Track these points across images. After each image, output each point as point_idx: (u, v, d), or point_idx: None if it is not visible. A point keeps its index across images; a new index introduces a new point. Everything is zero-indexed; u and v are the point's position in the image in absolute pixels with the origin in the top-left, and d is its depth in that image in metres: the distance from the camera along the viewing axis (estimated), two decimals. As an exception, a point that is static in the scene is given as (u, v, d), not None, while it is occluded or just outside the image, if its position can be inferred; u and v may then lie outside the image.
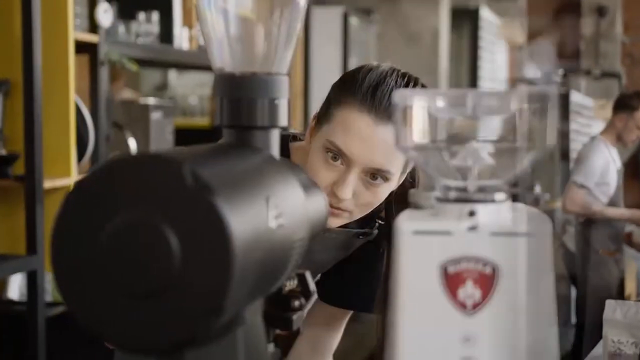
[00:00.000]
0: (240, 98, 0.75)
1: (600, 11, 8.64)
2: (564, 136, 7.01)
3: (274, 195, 0.67)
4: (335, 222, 1.30)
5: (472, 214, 0.67)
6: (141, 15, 3.23)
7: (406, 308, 0.66)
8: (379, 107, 1.24)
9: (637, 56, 9.57)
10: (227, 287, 0.58)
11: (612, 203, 4.53)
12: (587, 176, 4.40)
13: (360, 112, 1.25)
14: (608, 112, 8.06)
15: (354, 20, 5.62)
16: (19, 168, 2.51)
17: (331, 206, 1.27)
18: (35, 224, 2.43)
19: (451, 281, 0.66)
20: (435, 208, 0.70)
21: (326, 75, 5.00)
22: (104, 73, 2.83)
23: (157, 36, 3.28)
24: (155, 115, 3.18)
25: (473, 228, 0.66)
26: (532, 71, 6.12)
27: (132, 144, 3.04)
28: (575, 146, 7.16)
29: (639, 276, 5.34)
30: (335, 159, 1.26)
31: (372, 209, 1.32)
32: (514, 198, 0.70)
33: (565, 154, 7.00)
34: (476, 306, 0.66)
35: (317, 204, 0.82)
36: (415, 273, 0.66)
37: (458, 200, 0.68)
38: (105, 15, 2.78)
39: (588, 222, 4.52)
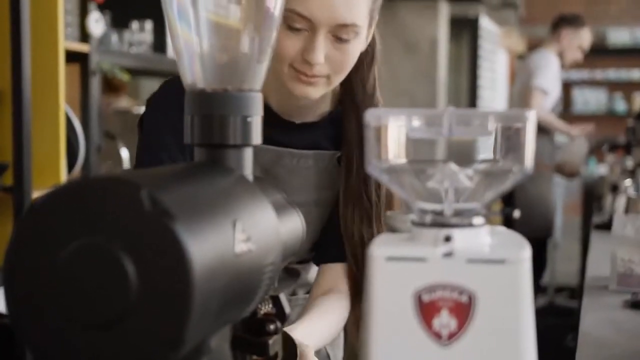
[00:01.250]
0: (212, 115, 0.72)
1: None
2: (473, 61, 7.16)
3: (242, 218, 0.64)
4: (315, 92, 1.28)
5: (448, 239, 0.64)
6: (134, 24, 3.20)
7: (379, 338, 0.63)
8: None
9: None
10: (187, 317, 0.55)
11: (552, 112, 4.68)
12: (547, 81, 4.50)
13: None
14: (513, 40, 8.13)
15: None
16: (7, 179, 2.48)
17: (306, 75, 1.25)
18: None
19: (426, 310, 0.63)
20: (411, 232, 0.67)
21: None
22: (95, 83, 2.80)
23: (150, 45, 3.25)
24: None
25: (448, 254, 0.63)
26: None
27: (125, 154, 3.01)
28: (482, 73, 7.31)
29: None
30: (298, 29, 1.22)
31: (347, 71, 1.29)
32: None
33: (473, 79, 7.10)
34: (452, 336, 0.63)
35: (291, 224, 0.79)
36: (388, 301, 0.63)
37: (434, 224, 0.65)
38: (96, 24, 2.76)
39: None
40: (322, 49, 1.22)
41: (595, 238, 2.74)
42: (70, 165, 2.68)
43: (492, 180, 0.66)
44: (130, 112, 3.28)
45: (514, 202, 4.49)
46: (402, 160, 0.67)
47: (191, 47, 0.74)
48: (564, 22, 4.68)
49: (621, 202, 2.86)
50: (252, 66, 0.75)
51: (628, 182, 3.07)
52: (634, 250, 1.79)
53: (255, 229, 0.66)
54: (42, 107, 2.56)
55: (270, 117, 1.33)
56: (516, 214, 4.66)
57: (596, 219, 3.23)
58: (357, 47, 1.26)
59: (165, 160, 1.28)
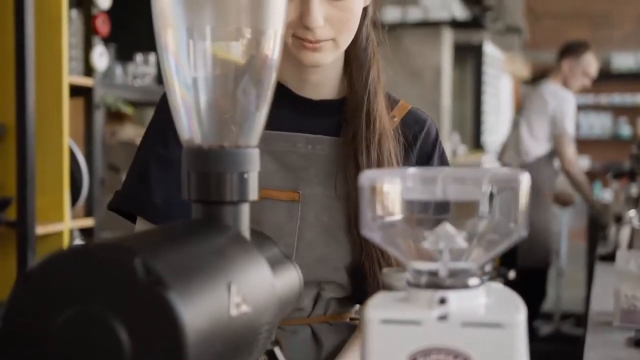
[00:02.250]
0: (209, 172, 0.73)
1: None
2: (477, 87, 7.18)
3: (237, 280, 0.65)
4: (323, 57, 1.23)
5: (442, 301, 0.64)
6: (138, 57, 3.22)
7: (374, 401, 0.63)
8: None
9: (539, 12, 9.61)
10: (181, 386, 0.55)
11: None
12: (573, 126, 4.50)
13: None
14: (517, 65, 8.17)
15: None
16: (11, 213, 2.49)
17: (310, 41, 1.20)
18: (27, 271, 2.40)
19: (421, 373, 0.62)
20: (407, 292, 0.67)
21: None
22: (99, 116, 2.81)
23: (154, 77, 3.27)
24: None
25: (443, 317, 0.63)
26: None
27: (128, 186, 3.01)
28: (486, 99, 7.32)
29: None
30: None
31: (354, 30, 1.24)
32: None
33: (477, 105, 7.10)
34: (447, 400, 0.62)
35: (288, 279, 0.79)
36: (383, 364, 0.63)
37: (429, 285, 0.65)
38: (100, 58, 2.77)
39: (536, 164, 4.59)
40: (318, 11, 1.17)
41: (600, 270, 2.73)
42: (74, 199, 2.69)
43: (487, 242, 0.66)
44: (134, 143, 3.29)
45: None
46: (397, 221, 0.67)
47: (188, 104, 0.75)
48: (565, 51, 4.69)
49: (625, 233, 2.85)
50: (249, 121, 0.76)
51: (632, 212, 3.07)
52: (637, 286, 1.78)
53: (250, 290, 0.66)
54: (46, 142, 2.57)
55: (286, 96, 1.30)
56: (511, 274, 4.66)
57: (601, 250, 3.22)
58: (356, 1, 1.21)
59: (153, 162, 1.27)
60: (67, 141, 2.61)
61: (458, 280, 0.65)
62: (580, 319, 5.36)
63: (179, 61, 0.74)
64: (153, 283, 0.55)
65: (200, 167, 0.73)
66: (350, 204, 1.27)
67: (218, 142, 0.74)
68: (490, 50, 7.74)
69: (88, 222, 2.81)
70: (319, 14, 1.17)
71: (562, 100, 4.59)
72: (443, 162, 1.35)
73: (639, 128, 9.59)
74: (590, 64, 4.70)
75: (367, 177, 0.66)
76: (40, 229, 2.50)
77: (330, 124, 1.30)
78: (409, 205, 0.67)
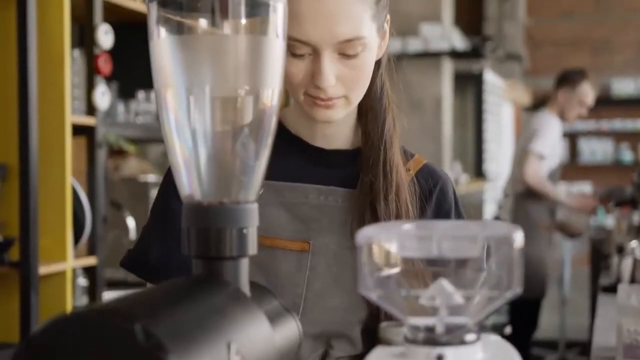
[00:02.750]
0: (209, 228, 0.74)
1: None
2: (478, 115, 7.19)
3: (237, 338, 0.65)
4: (335, 114, 1.21)
5: (440, 358, 0.64)
6: (140, 94, 3.25)
7: None
8: None
9: (539, 39, 9.65)
10: None
11: (550, 177, 4.65)
12: (544, 146, 4.49)
13: None
14: (518, 92, 8.19)
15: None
16: (14, 253, 2.50)
17: (322, 100, 1.18)
18: (30, 312, 2.41)
19: None
20: (405, 347, 0.68)
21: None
22: (101, 155, 2.83)
23: (156, 114, 3.29)
24: (155, 193, 3.16)
25: (440, 375, 0.63)
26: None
27: (131, 223, 3.03)
28: (488, 126, 7.34)
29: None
30: (302, 55, 1.15)
31: (366, 86, 1.22)
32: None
33: (479, 133, 7.29)
34: None
35: (287, 331, 0.79)
36: (382, 421, 0.64)
37: (426, 342, 0.66)
38: (102, 97, 2.80)
39: (527, 194, 4.56)
40: (330, 70, 1.15)
41: (602, 302, 2.73)
42: (77, 237, 2.70)
43: (484, 297, 0.67)
44: (136, 179, 3.31)
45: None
46: (393, 277, 0.68)
47: (188, 160, 0.76)
48: (560, 81, 4.70)
49: (628, 264, 2.85)
50: (248, 174, 0.77)
51: (634, 243, 3.07)
52: (639, 321, 1.78)
53: (250, 347, 0.67)
54: (48, 181, 2.59)
55: (299, 147, 1.30)
56: (507, 330, 4.67)
57: (603, 280, 3.22)
58: (368, 58, 1.19)
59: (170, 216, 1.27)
60: (70, 180, 2.62)
61: (455, 336, 0.66)
62: (585, 348, 5.35)
63: (179, 119, 0.76)
64: (153, 348, 0.56)
65: (200, 223, 0.74)
66: None
67: (218, 198, 0.75)
68: (491, 78, 7.77)
69: (91, 261, 2.82)
70: (330, 73, 1.15)
71: (543, 122, 4.62)
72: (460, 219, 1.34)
73: (641, 153, 9.62)
74: (587, 93, 4.67)
75: (364, 235, 0.67)
76: (43, 269, 2.51)
77: (343, 175, 1.29)
78: (406, 262, 0.68)
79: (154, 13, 0.74)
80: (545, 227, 4.62)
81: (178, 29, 0.75)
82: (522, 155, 4.61)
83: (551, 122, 4.61)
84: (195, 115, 0.75)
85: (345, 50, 1.16)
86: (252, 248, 0.75)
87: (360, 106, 1.30)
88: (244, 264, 0.75)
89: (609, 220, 5.68)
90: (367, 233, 0.67)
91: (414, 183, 1.30)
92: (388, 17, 1.26)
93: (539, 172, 4.50)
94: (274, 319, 0.75)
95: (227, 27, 0.74)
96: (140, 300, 0.63)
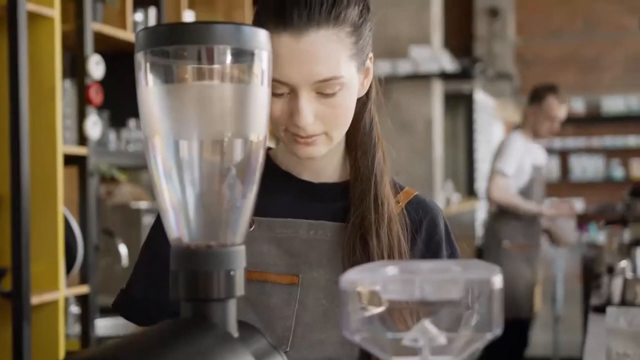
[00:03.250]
0: (197, 271, 0.75)
1: (493, 12, 8.75)
2: (469, 135, 7.21)
3: (224, 382, 0.67)
4: (316, 150, 1.22)
5: (423, 399, 0.66)
6: (131, 122, 3.26)
7: None
8: (291, 18, 1.15)
9: (529, 58, 9.72)
10: None
11: (523, 193, 4.68)
12: (507, 164, 4.52)
13: (277, 34, 1.15)
14: (508, 111, 8.25)
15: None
16: (6, 284, 2.50)
17: (301, 137, 1.20)
18: (22, 343, 2.41)
19: None
20: (389, 388, 0.69)
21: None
22: (93, 184, 2.84)
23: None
24: (147, 220, 3.18)
25: (424, 417, 0.65)
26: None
27: (123, 250, 3.04)
28: (478, 146, 7.38)
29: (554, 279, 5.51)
30: (281, 94, 1.17)
31: (347, 123, 1.23)
32: None
33: (470, 153, 7.39)
34: None
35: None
36: None
37: (410, 384, 0.67)
38: (94, 127, 2.81)
39: (499, 215, 4.58)
40: (308, 109, 1.17)
41: (593, 322, 2.75)
42: (69, 266, 2.71)
43: (466, 337, 0.68)
44: (128, 206, 3.32)
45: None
46: (376, 319, 0.69)
47: (176, 205, 0.77)
48: (530, 98, 4.74)
49: (618, 284, 2.87)
50: (234, 216, 0.78)
51: (624, 263, 3.09)
52: (628, 344, 1.79)
53: (238, 390, 0.69)
54: (40, 212, 2.60)
55: (289, 182, 1.31)
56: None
57: (594, 300, 3.24)
58: (347, 96, 1.21)
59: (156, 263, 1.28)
60: (62, 210, 2.63)
61: (438, 377, 0.67)
62: (579, 366, 5.34)
63: (166, 164, 0.77)
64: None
65: (188, 267, 0.76)
66: None
67: (205, 241, 0.77)
68: (481, 98, 7.81)
69: (83, 289, 2.83)
70: (308, 112, 1.17)
71: (509, 142, 4.68)
72: (453, 253, 1.34)
73: (632, 169, 9.66)
74: (552, 107, 4.60)
75: (348, 279, 0.69)
76: (36, 299, 2.51)
77: (334, 209, 1.29)
78: (390, 303, 0.69)
79: (142, 62, 0.76)
80: (518, 246, 4.63)
81: (166, 78, 0.77)
82: (490, 175, 4.70)
83: (517, 141, 4.65)
84: (183, 161, 0.77)
85: (323, 90, 1.18)
86: (240, 289, 0.77)
87: (349, 140, 1.31)
88: (232, 304, 0.77)
89: (600, 236, 5.70)
90: (350, 277, 0.69)
91: (404, 215, 1.31)
92: (371, 55, 1.27)
93: (503, 188, 4.55)
94: (261, 358, 0.77)
95: (214, 75, 0.76)
96: (127, 345, 0.64)
